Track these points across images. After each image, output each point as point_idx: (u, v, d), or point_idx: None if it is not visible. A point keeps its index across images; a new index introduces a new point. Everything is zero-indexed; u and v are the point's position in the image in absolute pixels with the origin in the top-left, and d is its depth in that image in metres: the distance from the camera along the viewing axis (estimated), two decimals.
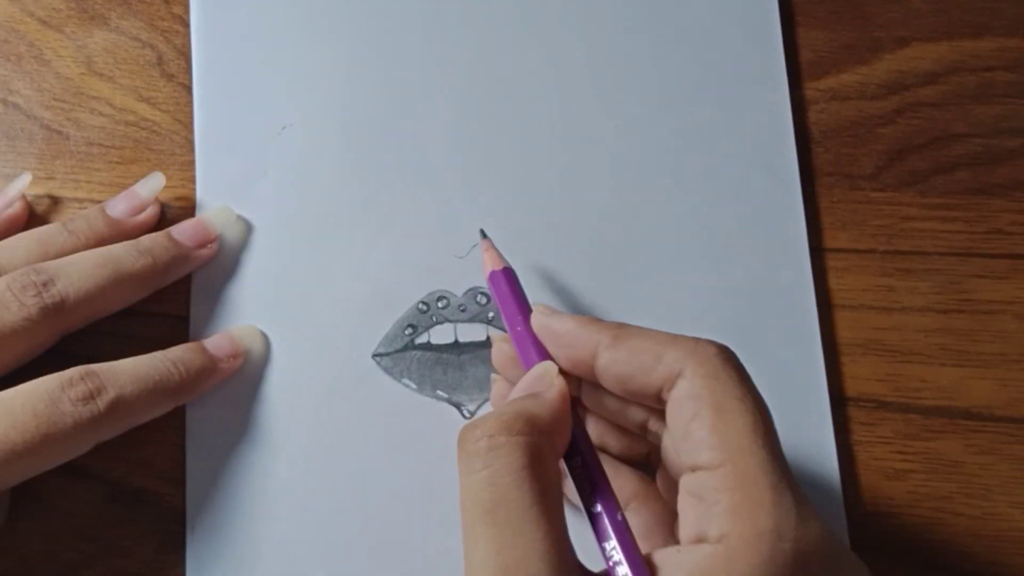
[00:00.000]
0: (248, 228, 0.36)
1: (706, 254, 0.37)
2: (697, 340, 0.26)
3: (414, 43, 0.39)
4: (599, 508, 0.26)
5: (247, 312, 0.35)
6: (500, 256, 0.33)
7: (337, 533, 0.33)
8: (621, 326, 0.28)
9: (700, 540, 0.24)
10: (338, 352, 0.35)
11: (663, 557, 0.24)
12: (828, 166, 0.38)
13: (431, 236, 0.36)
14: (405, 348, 0.35)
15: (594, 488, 0.26)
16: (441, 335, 0.35)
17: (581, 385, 0.30)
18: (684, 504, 0.25)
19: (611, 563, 0.25)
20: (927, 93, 0.39)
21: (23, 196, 0.35)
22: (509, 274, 0.32)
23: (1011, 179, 0.38)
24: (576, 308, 0.36)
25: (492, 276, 0.32)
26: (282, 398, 0.34)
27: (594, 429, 0.31)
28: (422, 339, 0.35)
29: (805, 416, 0.35)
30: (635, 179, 0.37)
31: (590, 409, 0.31)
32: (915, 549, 0.34)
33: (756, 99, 0.39)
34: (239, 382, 0.34)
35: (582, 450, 0.27)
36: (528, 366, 0.29)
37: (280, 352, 0.35)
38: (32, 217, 0.36)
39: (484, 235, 0.34)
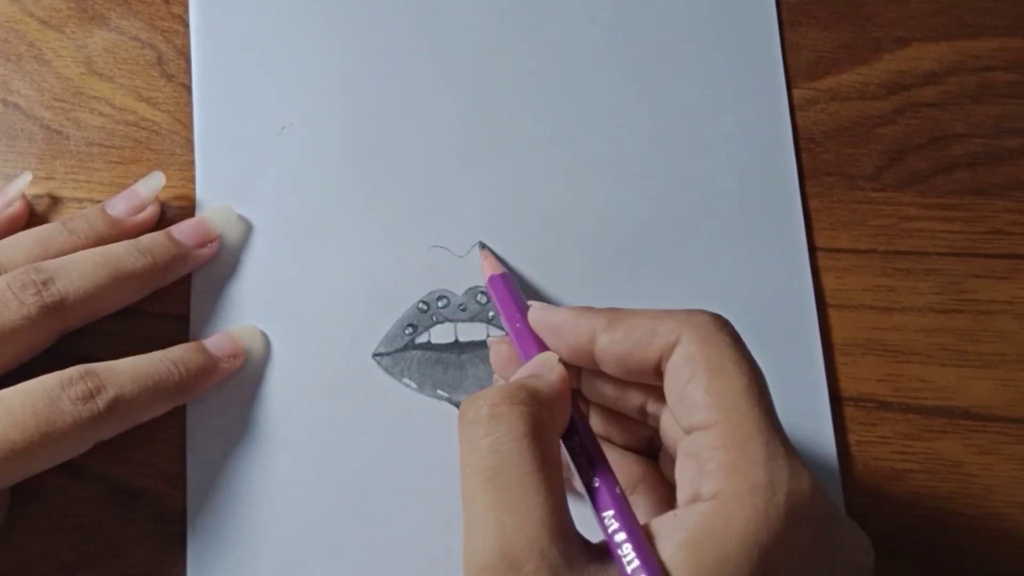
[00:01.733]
0: (248, 228, 0.36)
1: (705, 254, 0.37)
2: (691, 311, 0.27)
3: (413, 42, 0.39)
4: (597, 483, 0.26)
5: (247, 312, 0.35)
6: (498, 262, 0.34)
7: (337, 532, 0.33)
8: (615, 309, 0.28)
9: (695, 499, 0.24)
10: (338, 352, 0.35)
11: (660, 524, 0.24)
12: (828, 166, 0.38)
13: (431, 236, 0.36)
14: (405, 348, 0.35)
15: (592, 464, 0.27)
16: (441, 334, 0.35)
17: (580, 377, 0.30)
18: (681, 467, 0.26)
19: (609, 531, 0.25)
20: (927, 93, 0.39)
21: (23, 195, 0.35)
22: (507, 278, 0.33)
23: (1011, 179, 0.38)
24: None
25: (491, 280, 0.33)
26: (282, 398, 0.34)
27: (597, 422, 0.32)
28: (422, 339, 0.35)
29: (805, 416, 0.35)
30: (634, 179, 0.37)
31: (591, 400, 0.31)
32: (915, 549, 0.34)
33: (754, 99, 0.39)
34: (239, 382, 0.34)
35: (579, 430, 0.28)
36: (528, 359, 0.30)
37: (280, 352, 0.35)
38: (32, 216, 0.36)
39: (483, 245, 0.36)
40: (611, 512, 0.25)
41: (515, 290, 0.33)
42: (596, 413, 0.32)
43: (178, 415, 0.34)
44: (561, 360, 0.29)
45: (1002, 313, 0.37)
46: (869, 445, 0.35)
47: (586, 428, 0.28)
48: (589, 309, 0.29)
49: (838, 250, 0.37)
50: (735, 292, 0.36)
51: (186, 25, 0.38)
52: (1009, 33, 0.40)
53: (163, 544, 0.33)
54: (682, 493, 0.25)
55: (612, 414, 0.31)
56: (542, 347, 0.30)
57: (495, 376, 0.34)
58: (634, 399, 0.29)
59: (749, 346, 0.27)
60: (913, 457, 0.35)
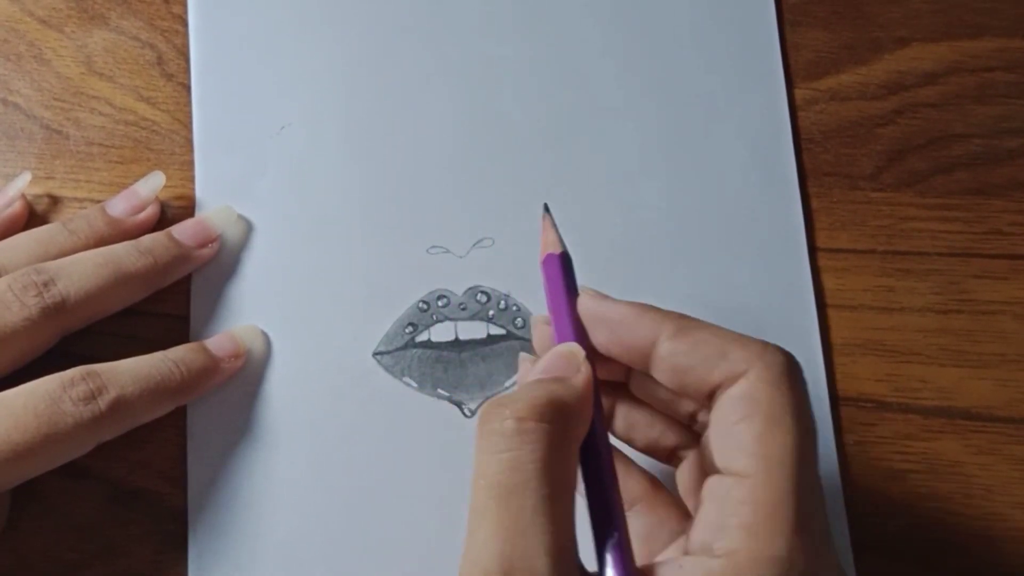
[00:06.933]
0: (248, 228, 0.36)
1: (705, 255, 0.37)
2: (766, 344, 0.25)
3: (413, 41, 0.39)
4: (602, 509, 0.25)
5: (247, 312, 0.35)
6: (559, 238, 0.30)
7: (337, 532, 0.33)
8: (684, 317, 0.26)
9: (706, 550, 0.23)
10: (338, 351, 0.35)
11: (664, 570, 0.23)
12: (828, 166, 0.38)
13: (431, 235, 0.36)
14: (405, 346, 0.35)
15: (602, 490, 0.25)
16: (441, 333, 0.35)
17: (630, 373, 0.29)
18: (704, 508, 0.24)
19: (606, 571, 0.24)
20: (927, 93, 0.39)
21: (23, 195, 0.35)
22: (565, 258, 0.29)
23: (1011, 179, 0.38)
24: None
25: (547, 259, 0.30)
26: (283, 397, 0.34)
27: (623, 420, 0.30)
28: (422, 337, 0.35)
29: None
30: (634, 180, 0.37)
31: (637, 396, 0.29)
32: (915, 549, 0.34)
33: (754, 99, 0.39)
34: (240, 382, 0.34)
35: (599, 449, 0.26)
36: None
37: (280, 352, 0.35)
38: (32, 217, 0.36)
39: (547, 209, 0.31)
40: (610, 551, 0.24)
41: (570, 273, 0.29)
42: (624, 410, 0.30)
43: (178, 415, 0.34)
44: (603, 357, 0.27)
45: (1002, 313, 0.37)
46: (868, 445, 0.35)
47: (606, 448, 0.26)
48: (653, 309, 0.27)
49: (838, 250, 0.37)
50: (735, 292, 0.36)
51: (186, 25, 0.38)
52: (1009, 33, 0.40)
53: (163, 544, 0.33)
54: (695, 536, 0.24)
55: (641, 407, 0.29)
56: (580, 339, 0.27)
57: (521, 356, 0.32)
58: (687, 405, 0.28)
59: None
60: (912, 457, 0.35)
